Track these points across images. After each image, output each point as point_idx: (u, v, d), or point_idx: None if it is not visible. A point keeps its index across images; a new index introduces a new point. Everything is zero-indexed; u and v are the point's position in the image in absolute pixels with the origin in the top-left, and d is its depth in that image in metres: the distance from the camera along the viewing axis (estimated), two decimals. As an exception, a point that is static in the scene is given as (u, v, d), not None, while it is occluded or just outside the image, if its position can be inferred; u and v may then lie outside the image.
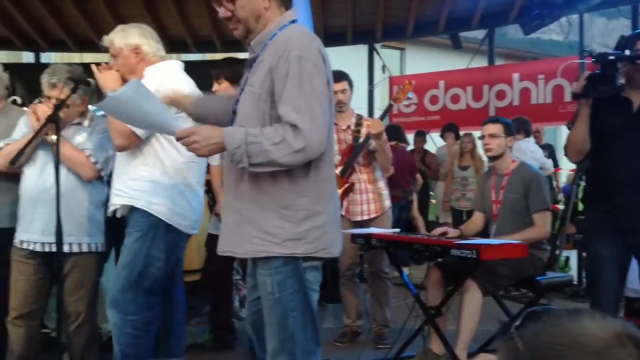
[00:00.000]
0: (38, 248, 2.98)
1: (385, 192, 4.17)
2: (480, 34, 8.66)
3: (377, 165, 4.13)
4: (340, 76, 4.02)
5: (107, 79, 2.71)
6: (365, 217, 4.09)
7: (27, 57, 9.36)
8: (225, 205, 2.13)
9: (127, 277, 2.69)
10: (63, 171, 2.87)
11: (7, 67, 3.50)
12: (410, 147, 7.75)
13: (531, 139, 6.34)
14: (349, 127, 4.10)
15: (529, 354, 0.78)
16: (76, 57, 8.72)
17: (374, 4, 7.43)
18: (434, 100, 8.47)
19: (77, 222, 2.97)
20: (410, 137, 7.79)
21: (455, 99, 8.31)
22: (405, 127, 7.30)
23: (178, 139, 1.98)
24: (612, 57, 2.72)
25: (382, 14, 7.60)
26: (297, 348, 1.99)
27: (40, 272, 3.04)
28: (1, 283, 3.04)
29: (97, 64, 2.78)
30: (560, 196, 8.22)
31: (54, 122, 2.76)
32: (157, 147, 2.71)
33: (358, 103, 4.61)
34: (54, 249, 2.80)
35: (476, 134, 6.17)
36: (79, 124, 3.09)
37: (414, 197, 6.86)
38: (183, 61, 3.05)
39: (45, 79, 2.98)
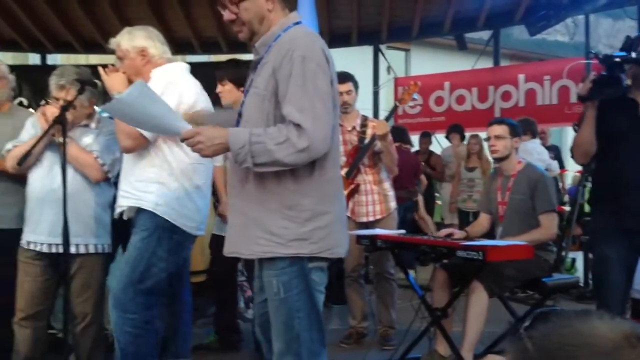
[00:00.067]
0: (45, 249, 2.99)
1: (391, 193, 4.16)
2: (485, 34, 8.64)
3: (383, 166, 4.13)
4: (345, 77, 4.02)
5: (114, 81, 2.72)
6: (371, 219, 4.09)
7: (34, 58, 9.40)
8: (231, 207, 2.14)
9: (128, 275, 2.70)
10: (70, 172, 2.88)
11: (14, 68, 3.52)
12: (415, 148, 7.74)
13: (537, 140, 6.33)
14: (354, 128, 4.10)
15: (539, 354, 0.78)
16: (82, 59, 8.75)
17: (379, 5, 7.43)
18: (439, 101, 8.46)
19: (84, 223, 2.99)
20: (415, 138, 7.78)
21: (460, 100, 8.29)
22: (410, 128, 7.29)
23: (183, 140, 1.99)
24: (618, 59, 2.71)
25: (388, 15, 7.60)
26: (303, 349, 1.99)
27: (47, 273, 3.05)
28: (8, 284, 3.05)
29: (104, 66, 2.79)
30: (566, 198, 8.20)
31: (61, 123, 2.78)
32: (164, 149, 2.72)
33: (363, 104, 4.61)
34: (60, 250, 2.82)
35: (482, 135, 6.16)
36: (86, 125, 3.10)
37: (420, 198, 6.85)
38: (188, 62, 3.06)
39: (53, 81, 2.99)
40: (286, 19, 2.05)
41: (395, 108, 4.39)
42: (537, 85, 7.68)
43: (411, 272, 4.05)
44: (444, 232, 3.66)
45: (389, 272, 4.16)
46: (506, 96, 7.90)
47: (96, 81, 2.91)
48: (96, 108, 3.14)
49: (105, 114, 3.09)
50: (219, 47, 8.15)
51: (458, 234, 3.59)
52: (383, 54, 8.77)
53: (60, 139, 2.79)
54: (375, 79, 8.74)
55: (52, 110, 2.89)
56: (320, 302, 2.06)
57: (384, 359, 3.65)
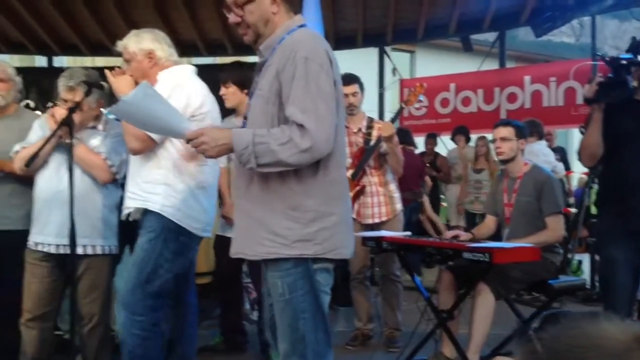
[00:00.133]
0: (52, 250, 3.00)
1: (397, 195, 4.16)
2: (491, 36, 8.63)
3: (388, 168, 4.13)
4: (351, 79, 4.03)
5: (120, 84, 2.73)
6: (377, 220, 4.09)
7: (40, 61, 9.43)
8: (236, 208, 2.14)
9: (136, 277, 2.71)
10: (77, 174, 2.90)
11: (20, 71, 3.54)
12: (420, 150, 7.73)
13: (543, 142, 6.32)
14: (360, 130, 4.10)
15: (548, 356, 0.78)
16: (88, 61, 8.78)
17: (385, 7, 7.43)
18: (444, 103, 8.45)
19: (91, 224, 3.00)
20: (420, 140, 7.77)
21: (466, 101, 8.28)
22: (415, 130, 7.28)
23: (188, 141, 2.00)
24: (624, 62, 2.70)
25: (393, 17, 7.59)
26: (308, 350, 1.99)
27: (54, 275, 3.06)
28: (15, 285, 3.06)
29: (111, 69, 2.80)
30: (572, 200, 8.17)
31: (68, 125, 2.79)
32: (171, 150, 2.73)
33: (369, 106, 4.60)
34: (68, 251, 2.83)
35: (487, 136, 6.15)
36: (94, 127, 3.11)
37: (425, 199, 6.85)
38: (194, 65, 3.07)
39: (62, 82, 3.01)
40: (291, 22, 2.06)
41: (401, 110, 4.38)
42: (543, 86, 7.66)
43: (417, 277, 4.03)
44: (450, 233, 3.65)
45: (395, 274, 4.16)
46: (512, 98, 7.88)
47: (103, 83, 2.92)
48: (103, 110, 3.15)
49: (111, 116, 3.11)
50: (224, 50, 8.16)
51: (464, 235, 3.58)
52: (388, 56, 8.77)
53: (68, 141, 2.80)
54: (381, 81, 8.74)
55: (61, 112, 2.91)
56: (326, 303, 2.06)
57: (390, 360, 3.65)
